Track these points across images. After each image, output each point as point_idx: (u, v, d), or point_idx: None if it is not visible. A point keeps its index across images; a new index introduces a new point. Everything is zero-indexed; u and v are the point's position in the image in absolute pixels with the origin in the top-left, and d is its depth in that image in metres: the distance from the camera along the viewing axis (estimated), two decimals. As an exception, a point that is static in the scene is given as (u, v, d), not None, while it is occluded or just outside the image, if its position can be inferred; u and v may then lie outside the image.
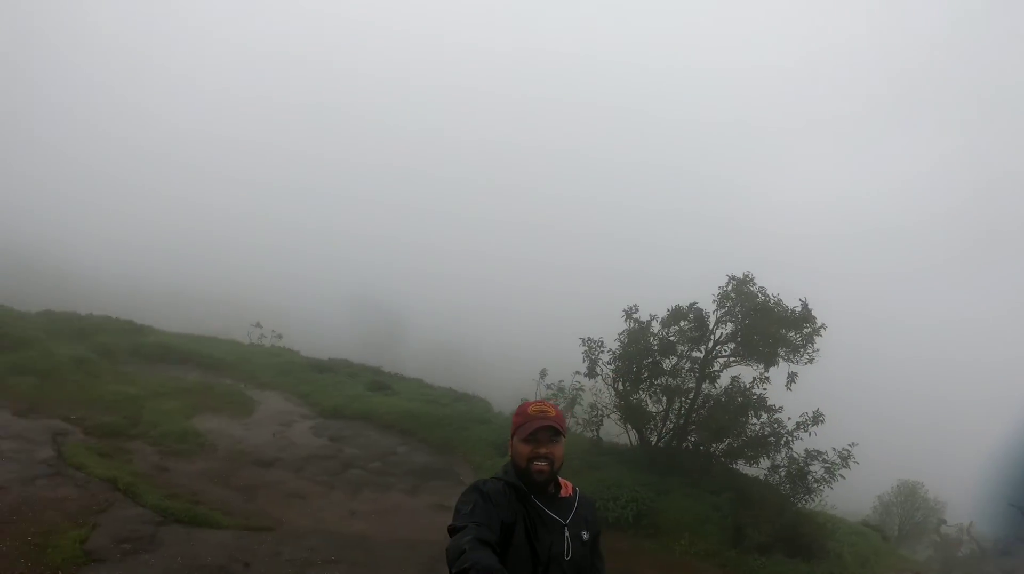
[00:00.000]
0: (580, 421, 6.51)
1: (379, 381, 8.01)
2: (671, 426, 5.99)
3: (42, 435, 5.10)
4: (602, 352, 6.16)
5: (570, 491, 1.55)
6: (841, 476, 5.04)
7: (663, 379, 5.89)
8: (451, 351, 21.26)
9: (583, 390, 6.51)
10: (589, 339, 6.17)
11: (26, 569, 3.29)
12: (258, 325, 10.42)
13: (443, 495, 5.36)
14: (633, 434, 6.21)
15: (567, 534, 1.43)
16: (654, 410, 6.06)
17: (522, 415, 1.46)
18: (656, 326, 6.03)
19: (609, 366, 6.15)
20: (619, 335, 6.15)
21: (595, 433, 6.40)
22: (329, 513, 4.81)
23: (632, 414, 6.01)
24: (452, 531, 1.28)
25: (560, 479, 1.52)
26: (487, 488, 1.39)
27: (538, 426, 1.41)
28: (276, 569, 3.89)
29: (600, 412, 6.31)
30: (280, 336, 10.43)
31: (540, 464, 1.41)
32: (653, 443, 6.03)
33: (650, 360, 5.84)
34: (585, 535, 1.49)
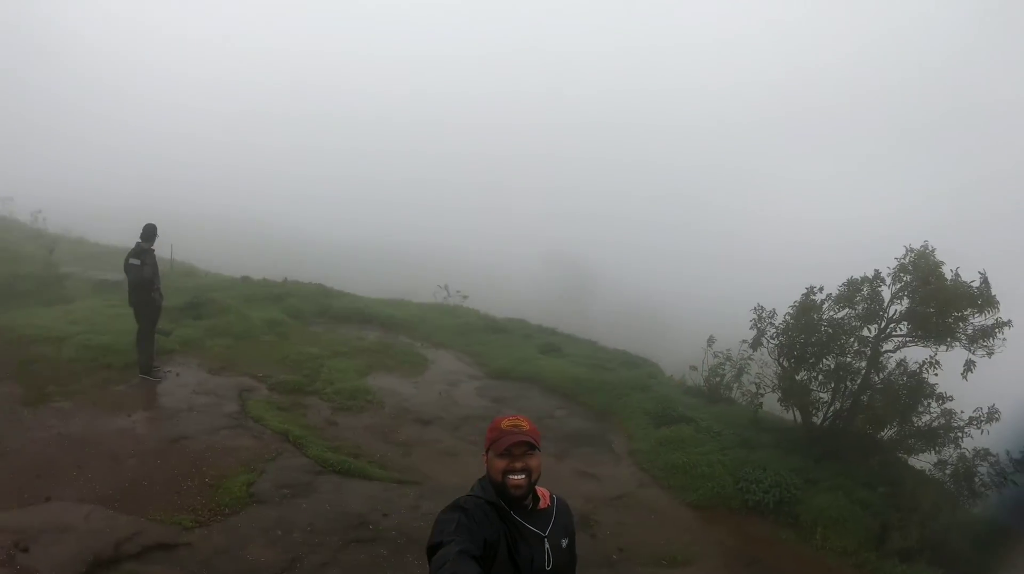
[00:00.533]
0: (745, 392, 11.43)
1: (551, 342, 13.03)
2: (836, 408, 9.68)
3: (231, 391, 9.67)
4: (770, 324, 10.15)
5: (548, 501, 2.78)
6: (1014, 482, 8.39)
7: (830, 358, 9.64)
8: (639, 311, 32.33)
9: (751, 360, 10.92)
10: (761, 307, 10.21)
11: (200, 505, 6.71)
12: (444, 287, 16.98)
13: (589, 462, 8.83)
14: (795, 414, 10.03)
15: (547, 545, 2.64)
16: (818, 390, 9.78)
17: (495, 430, 2.63)
18: (823, 300, 9.88)
19: (773, 340, 10.10)
20: (789, 307, 10.05)
21: (756, 408, 10.68)
22: (476, 471, 7.33)
23: (794, 392, 9.66)
24: (433, 549, 2.30)
25: (537, 489, 2.72)
26: (468, 506, 2.50)
27: (512, 442, 2.56)
28: (412, 521, 6.60)
29: (762, 387, 10.50)
30: (465, 297, 16.78)
31: (516, 478, 2.57)
32: (817, 425, 9.86)
33: (816, 337, 9.63)
34: (564, 542, 2.75)
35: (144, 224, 10.06)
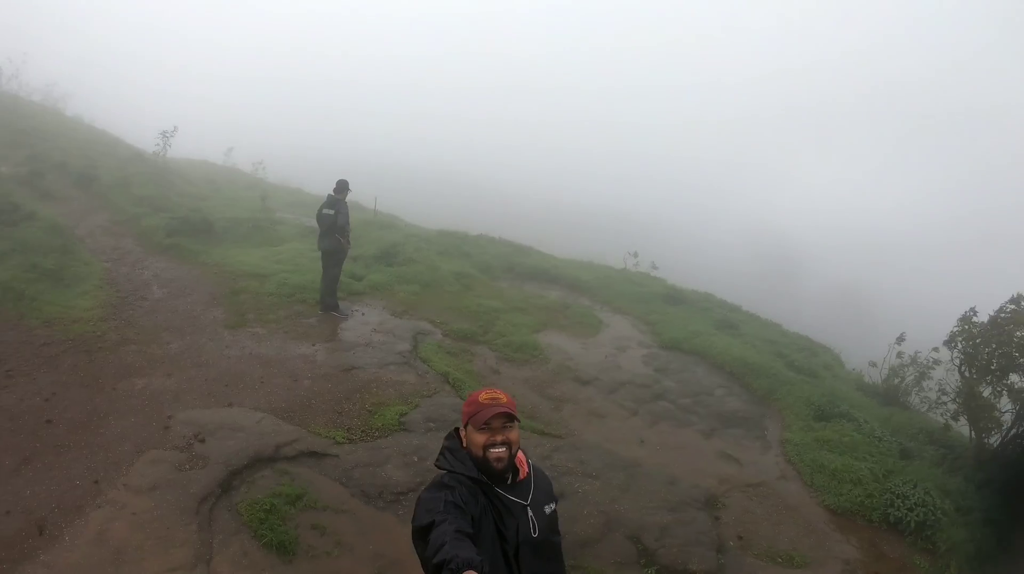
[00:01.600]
0: (923, 399, 11.71)
1: (729, 319, 13.34)
2: (1015, 433, 9.52)
3: (407, 333, 10.68)
4: (967, 329, 10.04)
5: (527, 469, 2.95)
6: None
7: (1020, 375, 9.55)
8: (840, 301, 32.43)
9: (937, 365, 11.33)
10: (973, 311, 10.12)
11: (355, 426, 7.70)
12: (634, 254, 17.74)
13: (735, 445, 9.08)
14: (970, 431, 9.98)
15: (531, 514, 2.83)
16: (1002, 407, 9.75)
17: (474, 404, 2.80)
18: None
19: (959, 346, 10.10)
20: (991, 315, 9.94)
21: (946, 418, 10.50)
22: (618, 435, 8.47)
23: (974, 407, 9.60)
24: (424, 529, 2.51)
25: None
26: (451, 483, 2.69)
27: (492, 414, 2.74)
28: (544, 468, 7.06)
29: (945, 396, 10.66)
30: (655, 267, 17.56)
31: (497, 451, 2.75)
32: (990, 448, 9.75)
33: (1006, 349, 9.48)
34: (547, 509, 2.95)
35: (337, 179, 11.56)
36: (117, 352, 9.85)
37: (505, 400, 2.82)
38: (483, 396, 2.84)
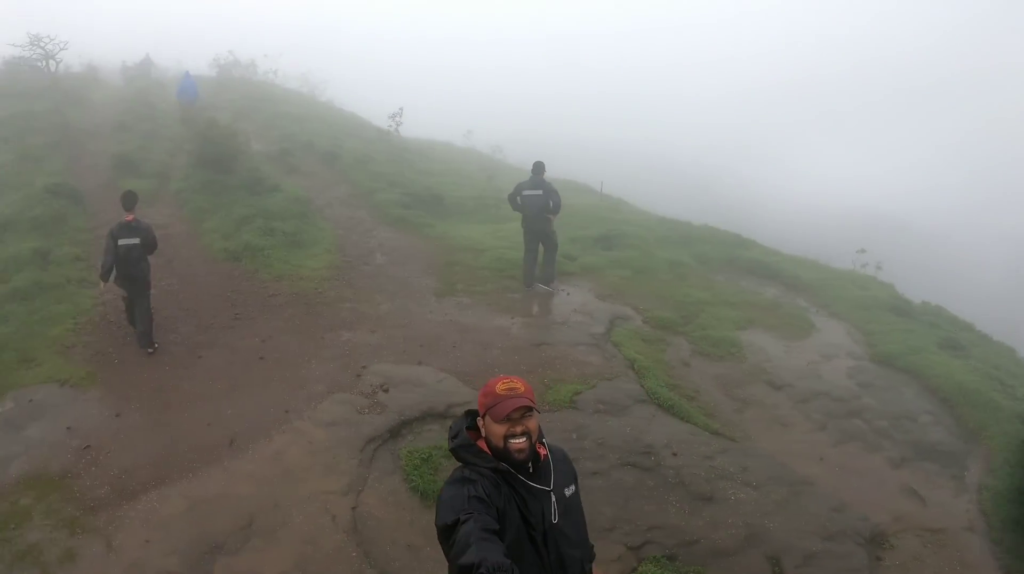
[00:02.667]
0: None
1: (956, 339, 12.08)
2: None
3: (606, 316, 10.85)
4: None
5: (545, 452, 2.99)
6: None
7: None
8: None
9: None
10: None
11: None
12: (862, 250, 16.53)
13: (925, 481, 8.07)
14: None
15: (553, 498, 2.90)
16: None
17: (490, 395, 2.85)
18: None
19: None
20: None
21: None
22: (796, 448, 8.20)
23: None
24: (449, 528, 2.51)
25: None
26: (472, 477, 2.74)
27: (512, 407, 2.78)
28: (695, 468, 7.08)
29: None
30: (879, 267, 16.16)
31: (518, 442, 2.79)
32: None
33: None
34: (568, 491, 3.02)
35: (535, 161, 12.09)
36: (333, 307, 11.19)
37: (523, 390, 2.88)
38: (500, 386, 2.88)
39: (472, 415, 3.06)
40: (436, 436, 7.44)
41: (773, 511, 6.86)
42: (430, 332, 10.29)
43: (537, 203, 11.88)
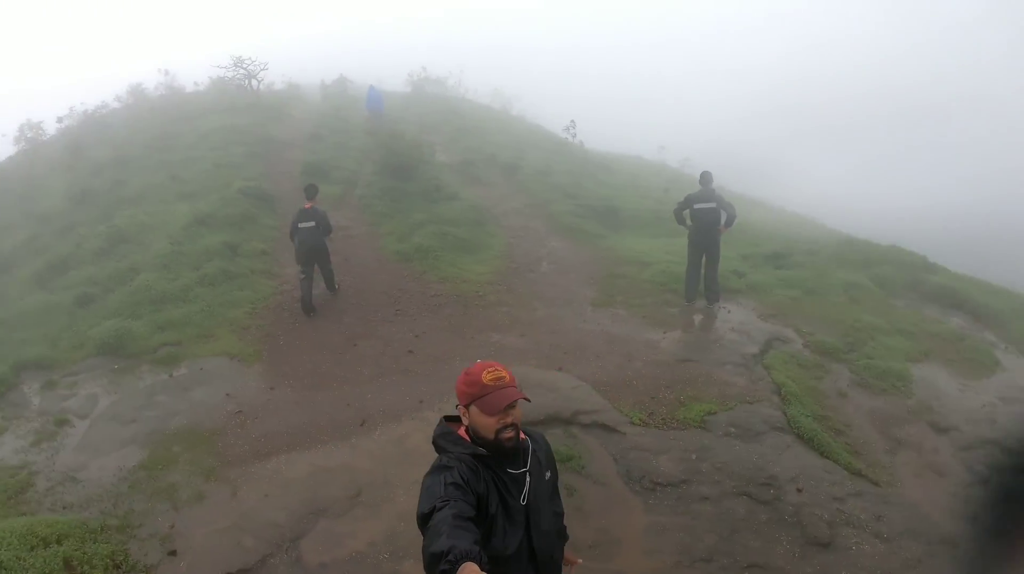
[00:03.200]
0: None
1: None
2: None
3: (762, 336, 10.44)
4: None
5: (522, 436, 2.99)
6: None
7: None
8: None
9: None
10: None
11: (658, 413, 8.09)
12: None
13: None
14: None
15: (529, 481, 2.93)
16: None
17: (477, 385, 2.81)
18: None
19: None
20: None
21: None
22: (947, 502, 7.32)
23: None
24: (426, 517, 2.53)
25: None
26: (451, 464, 2.74)
27: (508, 402, 2.79)
28: (819, 508, 6.60)
29: None
30: None
31: (509, 433, 2.82)
32: None
33: None
34: (547, 475, 3.10)
35: (702, 171, 11.99)
36: (489, 310, 11.71)
37: (509, 379, 2.88)
38: (487, 376, 2.85)
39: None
40: (554, 440, 7.43)
41: (898, 571, 6.26)
42: (578, 340, 10.43)
43: (710, 216, 11.67)
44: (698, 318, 11.58)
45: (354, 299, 12.37)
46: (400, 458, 7.30)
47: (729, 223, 11.72)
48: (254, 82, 30.39)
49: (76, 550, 6.09)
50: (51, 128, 30.48)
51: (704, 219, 11.69)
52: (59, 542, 6.13)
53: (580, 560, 3.56)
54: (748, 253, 14.93)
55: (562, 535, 3.32)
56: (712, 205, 11.63)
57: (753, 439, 7.82)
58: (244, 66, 30.28)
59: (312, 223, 11.81)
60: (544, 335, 10.68)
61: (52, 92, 39.70)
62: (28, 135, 29.79)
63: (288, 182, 18.64)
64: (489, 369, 2.89)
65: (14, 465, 8.08)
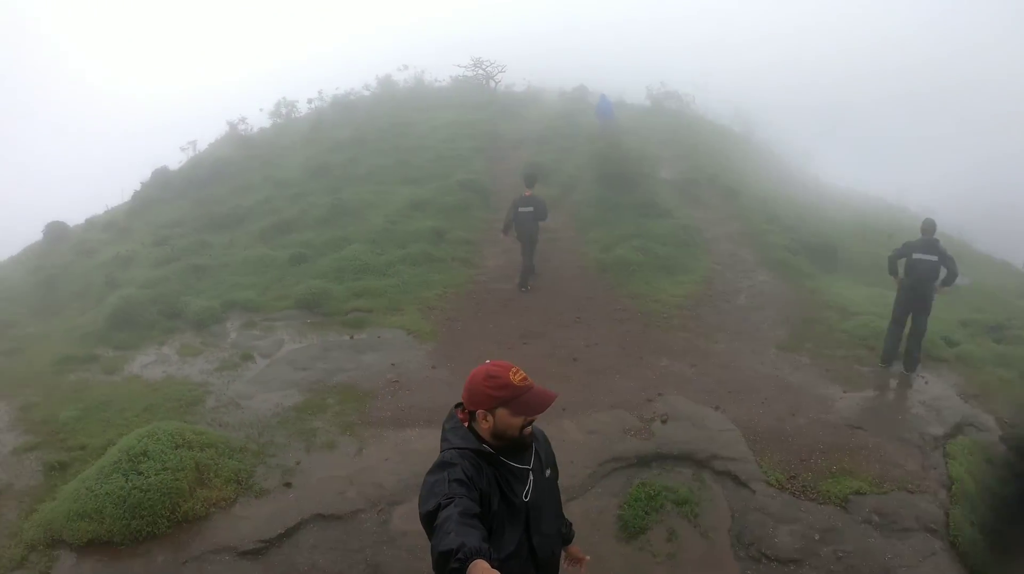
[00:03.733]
0: None
1: None
2: None
3: (954, 417, 9.40)
4: None
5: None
6: None
7: None
8: None
9: None
10: None
11: (801, 477, 7.63)
12: None
13: None
14: None
15: (531, 478, 3.02)
16: None
17: (508, 388, 2.86)
18: None
19: None
20: None
21: None
22: None
23: None
24: (428, 516, 2.58)
25: None
26: (454, 460, 2.77)
27: (547, 405, 2.92)
28: None
29: None
30: None
31: (530, 428, 2.97)
32: None
33: None
34: (548, 472, 3.21)
35: (924, 219, 10.90)
36: (668, 334, 11.77)
37: (531, 380, 2.98)
38: (516, 378, 2.91)
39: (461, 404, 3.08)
40: (679, 479, 7.52)
41: None
42: (748, 381, 10.14)
43: (928, 270, 10.58)
44: (890, 383, 10.68)
45: (543, 300, 13.04)
46: None
47: (948, 282, 10.55)
48: (491, 83, 33.26)
49: (210, 459, 7.51)
50: (303, 108, 35.08)
51: (920, 272, 10.64)
52: (200, 449, 7.55)
53: (587, 557, 3.66)
54: (967, 319, 13.58)
55: (563, 533, 3.42)
56: (933, 258, 10.53)
57: (894, 534, 7.00)
58: (483, 67, 33.72)
59: (530, 208, 13.33)
60: (715, 369, 10.51)
61: (309, 77, 43.96)
62: (283, 111, 34.54)
63: (507, 178, 19.67)
64: (513, 370, 2.93)
65: (195, 382, 10.08)
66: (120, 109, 73.75)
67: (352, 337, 11.41)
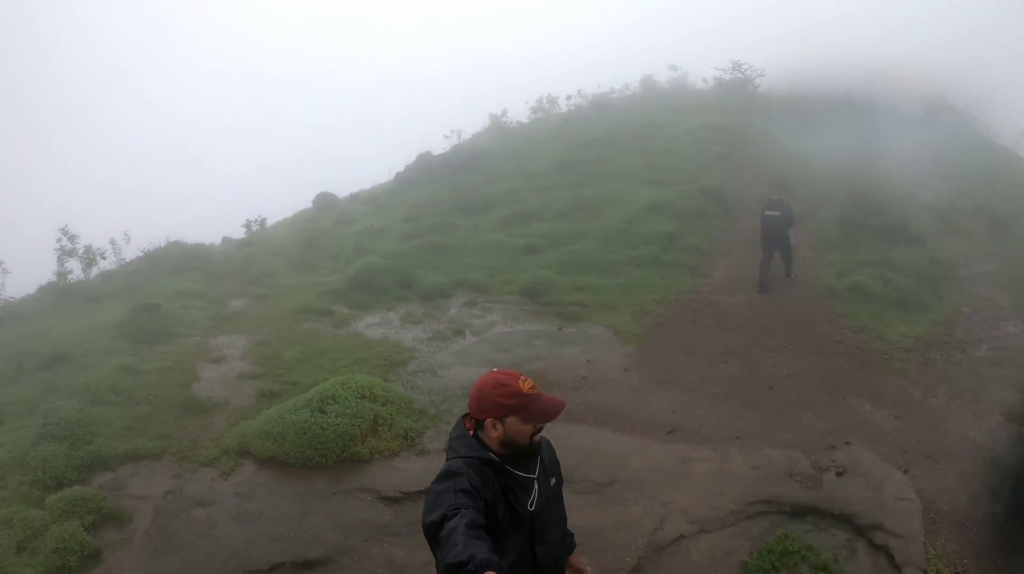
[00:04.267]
0: None
1: None
2: None
3: None
4: None
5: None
6: None
7: None
8: None
9: None
10: None
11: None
12: None
13: None
14: None
15: (536, 487, 3.04)
16: None
17: (519, 396, 2.92)
18: None
19: None
20: None
21: None
22: None
23: None
24: (433, 526, 2.58)
25: None
26: (460, 470, 2.79)
27: (559, 412, 3.01)
28: None
29: None
30: None
31: (539, 437, 3.04)
32: None
33: None
34: (553, 481, 3.24)
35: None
36: (883, 377, 11.01)
37: (537, 388, 3.03)
38: (525, 386, 2.97)
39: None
40: (827, 542, 7.03)
41: None
42: (952, 448, 9.16)
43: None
44: None
45: (761, 319, 12.87)
46: (674, 475, 7.80)
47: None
48: (750, 86, 32.84)
49: (388, 414, 8.68)
50: (563, 104, 36.78)
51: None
52: (382, 403, 8.76)
53: (589, 568, 3.57)
54: None
55: (566, 543, 3.40)
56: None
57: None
58: (742, 70, 33.31)
59: (777, 213, 13.93)
60: (920, 427, 9.57)
61: (570, 69, 44.80)
62: (545, 105, 36.50)
63: (753, 188, 19.25)
64: (521, 378, 2.99)
65: (406, 346, 11.49)
66: (388, 96, 79.29)
67: (560, 329, 12.18)
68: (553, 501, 3.25)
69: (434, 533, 2.60)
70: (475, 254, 16.02)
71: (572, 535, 3.54)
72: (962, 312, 13.99)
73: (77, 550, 6.64)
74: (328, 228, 20.92)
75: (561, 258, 14.86)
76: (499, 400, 2.94)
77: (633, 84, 38.49)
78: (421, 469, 7.89)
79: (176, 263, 17.54)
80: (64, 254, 16.21)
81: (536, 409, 2.95)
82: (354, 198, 25.67)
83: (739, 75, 32.72)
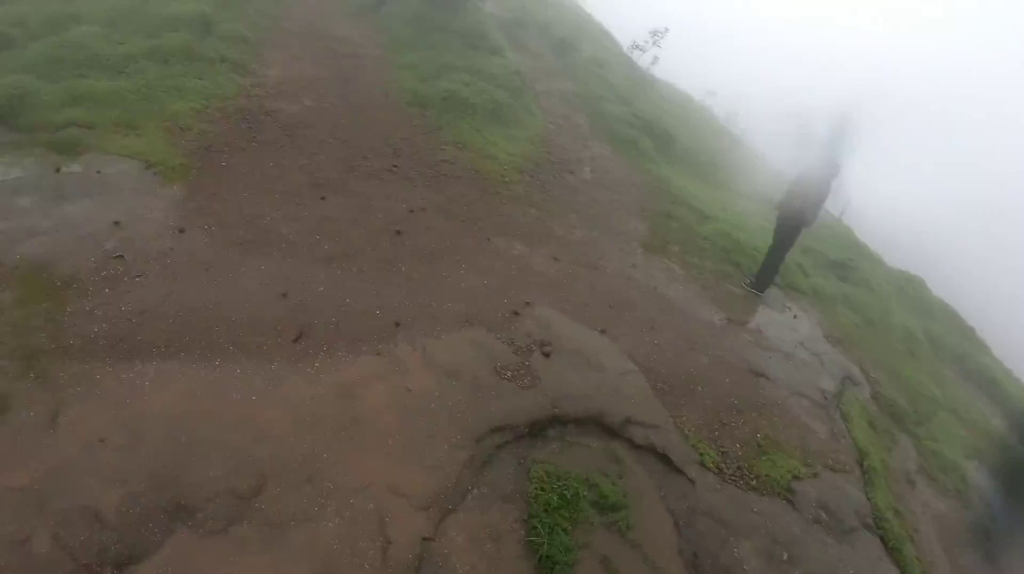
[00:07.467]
0: None
1: None
2: None
3: (836, 370, 8.40)
4: None
5: None
6: None
7: None
8: None
9: None
10: None
11: (734, 454, 6.03)
12: None
13: None
14: None
15: None
16: None
17: None
18: None
19: None
20: None
21: None
22: None
23: None
24: None
25: None
26: None
27: None
28: None
29: None
30: None
31: None
32: None
33: None
34: None
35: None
36: (513, 205, 9.10)
37: None
38: None
39: None
40: (589, 462, 5.10)
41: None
42: (625, 292, 7.94)
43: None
44: (760, 312, 9.23)
45: (344, 133, 9.25)
46: (343, 426, 4.49)
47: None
48: None
49: None
50: None
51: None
52: None
53: None
54: (810, 248, 12.71)
55: None
56: None
57: (845, 538, 5.76)
58: None
59: None
60: (583, 269, 8.11)
61: None
62: None
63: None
64: None
65: None
66: None
67: (59, 169, 6.69)
68: None
69: None
70: None
71: None
72: (551, 130, 12.76)
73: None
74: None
75: (45, 53, 8.58)
76: None
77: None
78: None
79: None
80: None
81: None
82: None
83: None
